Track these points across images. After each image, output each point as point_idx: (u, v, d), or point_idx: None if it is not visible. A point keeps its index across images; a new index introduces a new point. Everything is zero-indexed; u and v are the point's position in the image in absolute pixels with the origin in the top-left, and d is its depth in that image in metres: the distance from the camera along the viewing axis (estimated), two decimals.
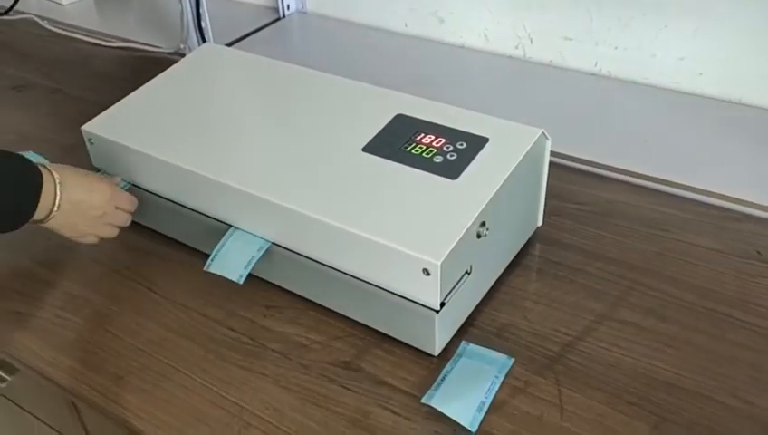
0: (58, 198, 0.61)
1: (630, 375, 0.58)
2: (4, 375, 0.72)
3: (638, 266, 0.68)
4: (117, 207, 0.67)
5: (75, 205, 0.63)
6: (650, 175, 0.79)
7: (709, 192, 0.76)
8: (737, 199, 0.74)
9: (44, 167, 0.61)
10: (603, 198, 0.77)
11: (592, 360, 0.60)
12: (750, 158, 0.80)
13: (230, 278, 0.63)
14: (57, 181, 0.61)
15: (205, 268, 0.64)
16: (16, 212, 0.59)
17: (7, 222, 0.59)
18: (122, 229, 0.70)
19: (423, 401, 0.56)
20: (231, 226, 0.66)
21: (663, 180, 0.78)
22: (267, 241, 0.63)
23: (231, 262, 0.63)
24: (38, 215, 0.60)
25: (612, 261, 0.69)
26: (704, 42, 0.88)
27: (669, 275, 0.67)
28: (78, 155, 0.78)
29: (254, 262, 0.63)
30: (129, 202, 0.69)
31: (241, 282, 0.63)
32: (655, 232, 0.72)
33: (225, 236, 0.65)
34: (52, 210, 0.61)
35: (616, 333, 0.62)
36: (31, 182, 0.59)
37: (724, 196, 0.75)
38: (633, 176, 0.79)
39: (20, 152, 0.77)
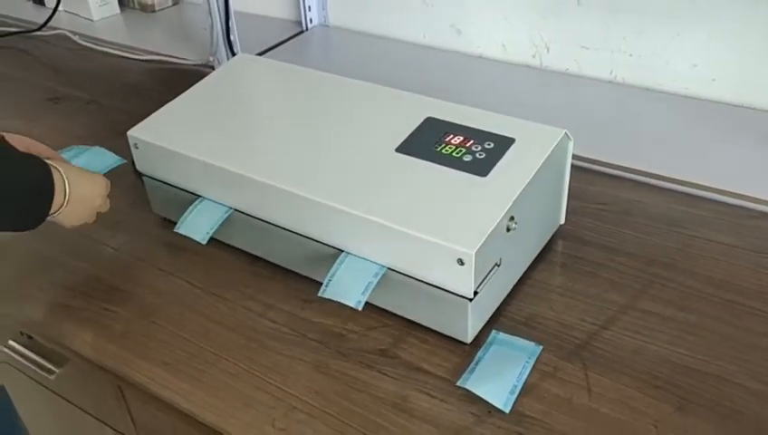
0: (67, 194, 0.64)
1: (654, 361, 0.61)
2: (52, 368, 0.76)
3: (658, 261, 0.71)
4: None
5: (80, 198, 0.66)
6: (667, 175, 0.82)
7: (724, 191, 0.79)
8: (752, 198, 0.77)
9: (52, 165, 0.64)
10: (622, 198, 0.81)
11: (617, 347, 0.63)
12: (763, 159, 0.83)
13: (348, 304, 0.62)
14: (65, 178, 0.64)
15: (319, 294, 0.63)
16: (37, 211, 0.62)
17: (30, 222, 0.62)
18: (160, 227, 0.73)
19: (458, 383, 0.59)
20: (275, 225, 0.69)
21: (679, 181, 0.81)
22: (383, 267, 0.63)
23: (347, 287, 0.63)
24: (51, 210, 0.64)
25: (633, 256, 0.72)
26: (716, 48, 0.92)
27: (688, 268, 0.70)
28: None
29: (372, 287, 0.62)
30: (109, 188, 0.72)
31: (360, 308, 0.61)
32: (673, 229, 0.75)
33: (336, 264, 0.64)
34: (62, 205, 0.64)
35: (639, 322, 0.65)
36: (47, 181, 0.63)
37: (739, 194, 0.78)
38: (650, 177, 0.83)
39: (89, 146, 0.81)
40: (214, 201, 0.73)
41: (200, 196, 0.74)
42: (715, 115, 0.92)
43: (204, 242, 0.71)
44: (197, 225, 0.72)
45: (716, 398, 0.58)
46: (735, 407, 0.57)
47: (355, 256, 0.64)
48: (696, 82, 0.95)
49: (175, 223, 0.78)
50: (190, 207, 0.74)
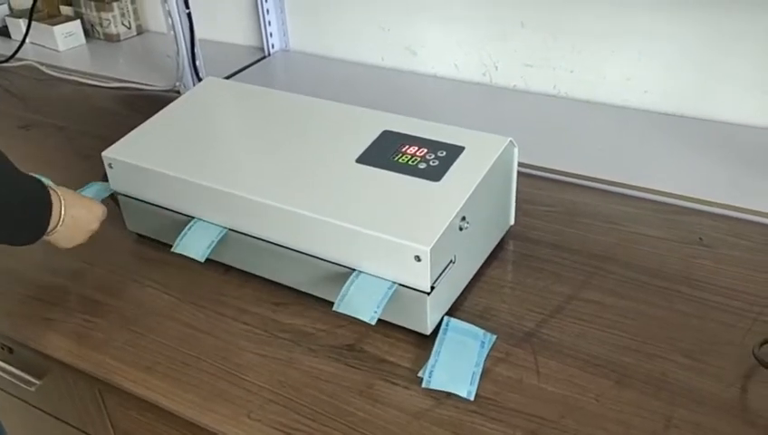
0: (63, 214, 0.70)
1: (596, 343, 0.68)
2: (33, 380, 0.79)
3: (598, 255, 0.78)
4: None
5: (75, 220, 0.72)
6: (605, 178, 0.90)
7: (656, 190, 0.87)
8: (677, 195, 0.85)
9: (50, 187, 0.70)
10: (566, 200, 0.88)
11: (563, 332, 0.69)
12: (690, 161, 0.92)
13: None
14: (62, 200, 0.70)
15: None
16: (36, 226, 0.68)
17: (29, 236, 0.68)
18: (134, 243, 0.78)
19: (423, 386, 0.63)
20: (248, 235, 0.74)
21: (616, 183, 0.89)
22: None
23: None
24: (48, 227, 0.69)
25: (576, 251, 0.79)
26: (647, 63, 1.01)
27: (625, 260, 0.77)
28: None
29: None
30: (105, 214, 0.78)
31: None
32: (611, 226, 0.83)
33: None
34: (57, 225, 0.70)
35: (582, 310, 0.71)
36: (46, 200, 0.69)
37: (668, 193, 0.86)
38: (591, 180, 0.90)
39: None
40: (186, 215, 0.78)
41: (174, 211, 0.79)
42: (647, 123, 1.01)
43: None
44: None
45: (650, 373, 0.64)
46: (667, 379, 0.64)
47: (322, 259, 0.70)
48: (631, 94, 1.04)
49: (150, 238, 0.83)
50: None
